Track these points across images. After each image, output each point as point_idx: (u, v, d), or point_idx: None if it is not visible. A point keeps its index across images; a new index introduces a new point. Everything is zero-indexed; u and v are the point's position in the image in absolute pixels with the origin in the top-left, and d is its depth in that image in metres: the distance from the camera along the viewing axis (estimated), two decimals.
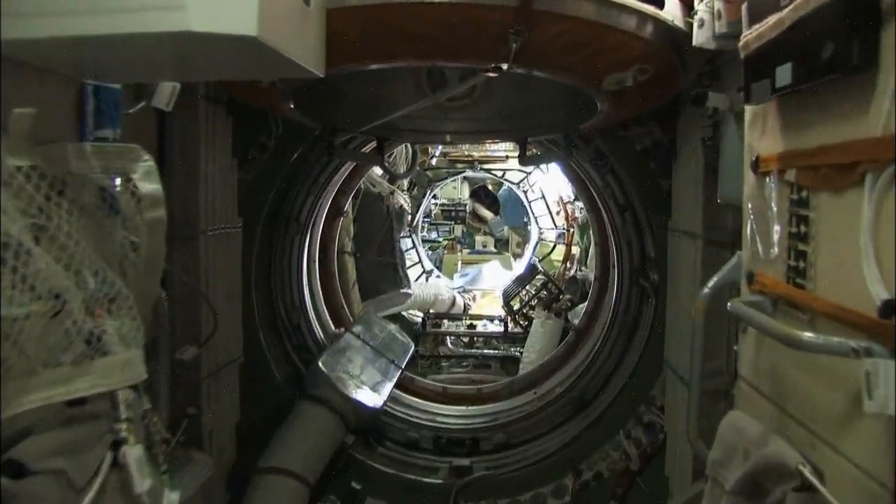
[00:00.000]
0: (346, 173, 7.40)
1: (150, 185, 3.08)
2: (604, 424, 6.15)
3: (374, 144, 5.95)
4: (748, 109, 2.73)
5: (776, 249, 2.40)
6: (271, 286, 6.45)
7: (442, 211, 19.51)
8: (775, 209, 2.40)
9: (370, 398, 5.93)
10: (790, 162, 2.28)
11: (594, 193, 6.62)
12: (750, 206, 2.70)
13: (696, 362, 3.02)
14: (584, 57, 3.29)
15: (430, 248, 18.03)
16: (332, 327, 7.48)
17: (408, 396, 7.54)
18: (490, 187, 19.95)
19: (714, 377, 4.60)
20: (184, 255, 4.63)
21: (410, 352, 7.70)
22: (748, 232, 2.70)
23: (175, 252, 4.61)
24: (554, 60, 3.34)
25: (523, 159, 5.04)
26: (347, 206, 8.04)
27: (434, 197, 17.62)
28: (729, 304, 2.49)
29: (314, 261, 7.41)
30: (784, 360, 2.33)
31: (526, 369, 10.38)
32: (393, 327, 8.04)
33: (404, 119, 4.97)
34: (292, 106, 4.10)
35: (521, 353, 11.01)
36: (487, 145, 11.99)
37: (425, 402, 7.55)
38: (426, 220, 18.43)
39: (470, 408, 7.52)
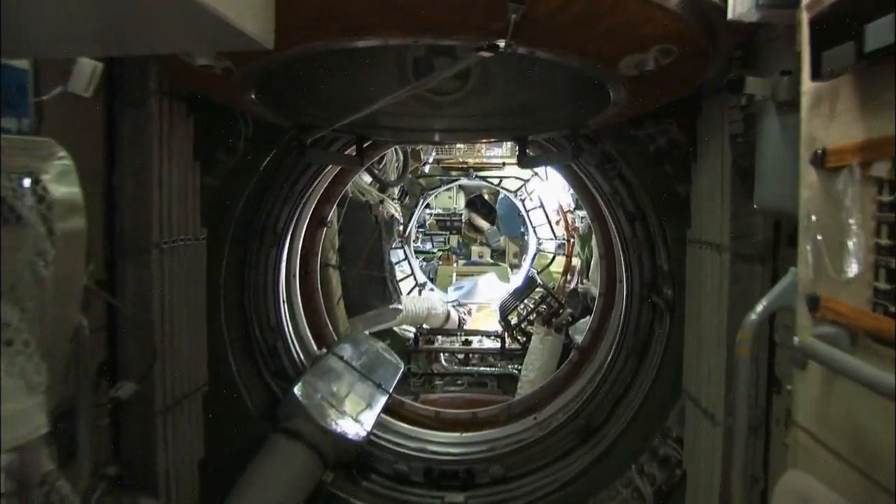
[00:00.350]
0: (329, 179, 6.86)
1: (65, 189, 2.53)
2: (613, 457, 5.59)
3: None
4: (809, 90, 2.19)
5: (855, 267, 1.86)
6: (245, 304, 5.89)
7: (437, 221, 19.02)
8: (855, 215, 1.86)
9: (353, 428, 5.35)
10: (880, 152, 1.74)
11: (600, 201, 6.08)
12: (811, 211, 2.15)
13: (741, 405, 2.46)
14: (599, 33, 2.75)
15: (424, 260, 17.54)
16: (315, 348, 6.91)
17: (397, 422, 6.96)
18: (486, 197, 19.68)
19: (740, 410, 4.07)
20: (134, 271, 4.08)
21: (400, 373, 7.14)
22: (808, 245, 2.15)
23: (124, 268, 4.10)
24: (562, 37, 2.79)
25: (523, 161, 4.50)
26: (331, 216, 7.48)
27: (428, 206, 17.09)
28: (796, 339, 1.95)
29: (294, 275, 6.85)
30: (870, 412, 1.79)
31: (524, 388, 9.87)
32: (381, 346, 7.48)
33: (387, 116, 4.44)
34: (254, 97, 3.54)
35: (520, 370, 10.51)
36: (483, 151, 11.49)
37: (416, 429, 6.97)
38: (420, 230, 17.92)
39: (464, 434, 6.95)
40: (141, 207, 4.04)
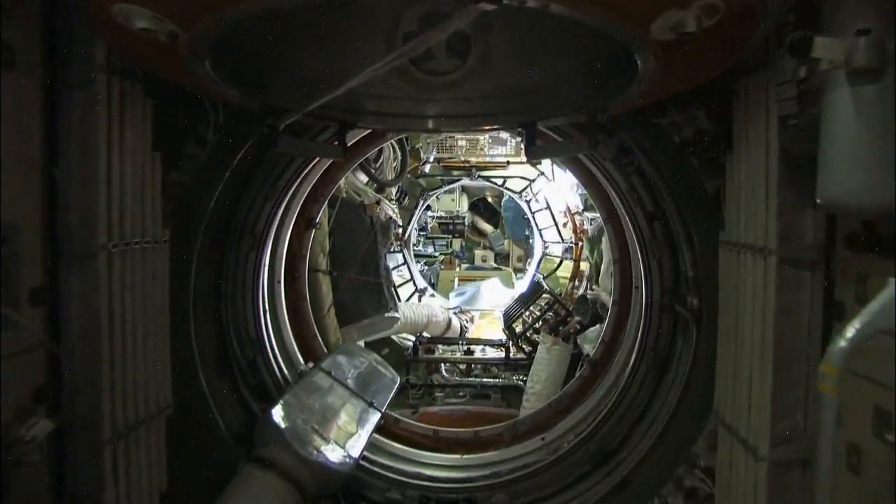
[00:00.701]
0: (318, 176, 6.31)
1: None
2: (631, 487, 5.01)
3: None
4: None
5: None
6: (221, 314, 5.34)
7: (439, 224, 18.53)
8: None
9: (338, 456, 4.78)
10: None
11: (615, 199, 5.52)
12: None
13: (825, 453, 1.89)
14: None
15: (425, 264, 17.06)
16: (302, 362, 6.36)
17: (390, 442, 6.43)
18: (490, 199, 19.17)
19: (787, 443, 3.49)
20: (78, 278, 3.53)
21: (395, 388, 6.57)
22: None
23: (68, 275, 3.55)
24: None
25: (532, 151, 3.93)
26: (321, 217, 6.93)
27: (428, 208, 16.54)
28: None
29: (278, 282, 6.29)
30: None
31: (530, 401, 9.31)
32: (375, 358, 6.91)
33: (373, 100, 3.87)
34: (209, 71, 2.98)
35: (525, 381, 9.88)
36: (486, 150, 10.92)
37: (411, 450, 6.43)
38: (421, 233, 17.38)
39: (465, 456, 6.41)
40: (86, 204, 3.49)
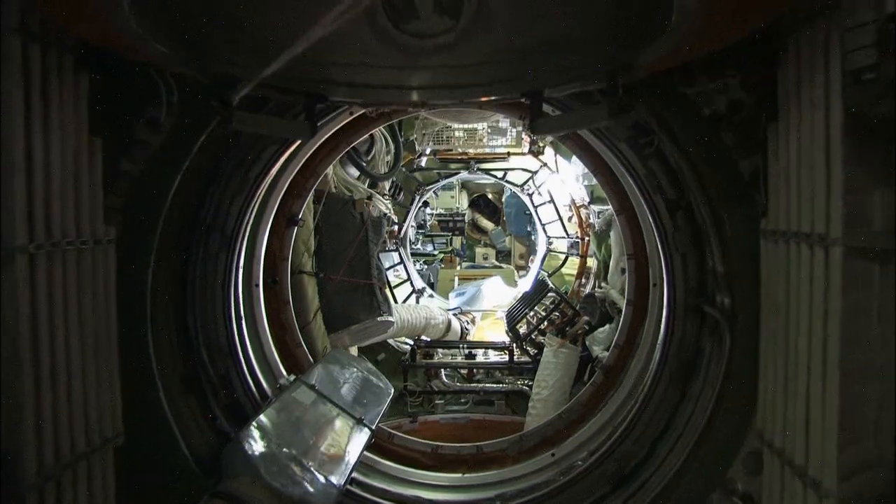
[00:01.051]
0: (297, 168, 5.72)
1: None
2: None
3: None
4: None
5: None
6: (188, 323, 4.76)
7: (439, 222, 17.93)
8: None
9: (320, 486, 4.19)
10: None
11: (632, 186, 4.91)
12: None
13: None
14: None
15: (424, 263, 16.53)
16: (285, 373, 5.76)
17: (385, 461, 5.85)
18: (490, 196, 18.77)
19: (857, 474, 2.89)
20: None
21: (389, 401, 5.98)
22: None
23: None
24: None
25: (538, 125, 3.33)
26: (304, 213, 6.33)
27: (426, 205, 15.93)
28: None
29: (256, 285, 5.70)
30: None
31: (536, 408, 8.72)
32: (367, 368, 6.32)
33: (348, 69, 3.27)
34: (137, 27, 2.39)
35: (530, 386, 9.28)
36: (485, 140, 10.31)
37: (408, 469, 5.86)
38: (420, 231, 16.79)
39: (467, 475, 5.82)
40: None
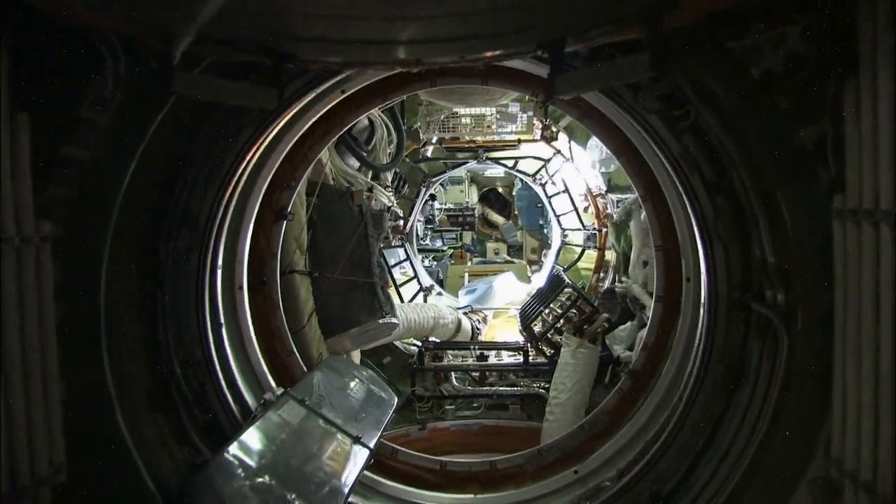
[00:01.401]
0: (283, 154, 5.13)
1: None
2: None
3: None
4: None
5: None
6: (157, 331, 4.19)
7: (448, 216, 17.55)
8: None
9: None
10: None
11: (663, 166, 4.31)
12: None
13: None
14: None
15: (434, 259, 16.02)
16: (273, 385, 5.19)
17: (387, 482, 5.29)
18: (500, 190, 18.37)
19: None
20: None
21: (391, 413, 5.41)
22: None
23: None
24: None
25: (560, 82, 2.71)
26: (294, 206, 5.74)
27: (433, 198, 15.32)
28: None
29: (239, 287, 5.12)
30: None
31: (554, 413, 8.15)
32: (367, 376, 5.76)
33: (321, 21, 2.66)
34: None
35: (547, 389, 8.74)
36: (493, 126, 9.69)
37: (413, 490, 5.29)
38: (429, 226, 16.23)
39: (479, 496, 5.24)
40: None
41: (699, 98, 3.59)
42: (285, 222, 5.62)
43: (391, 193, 9.04)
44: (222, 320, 4.74)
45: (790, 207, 3.29)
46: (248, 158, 4.33)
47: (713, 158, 3.87)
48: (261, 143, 4.45)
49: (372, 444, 4.63)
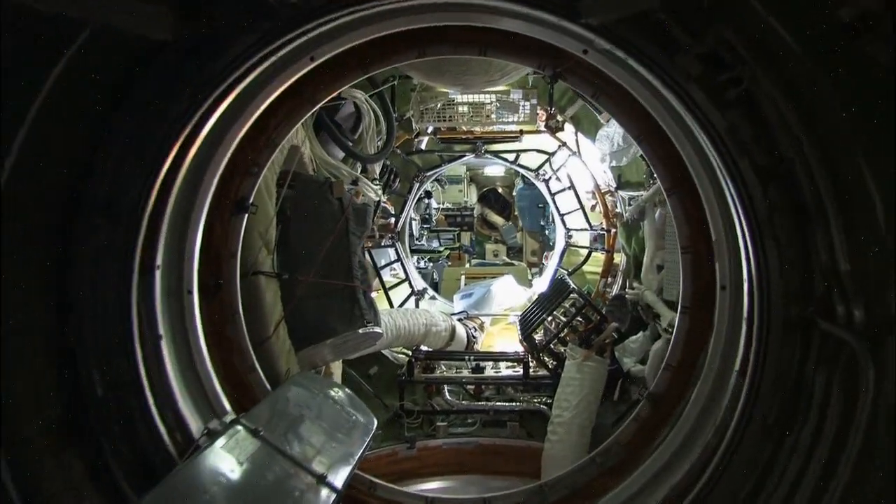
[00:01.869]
0: (242, 133, 4.34)
1: None
2: None
3: None
4: None
5: None
6: (70, 347, 3.39)
7: (446, 216, 16.90)
8: None
9: None
10: None
11: (707, 145, 3.52)
12: None
13: None
14: None
15: (430, 260, 15.30)
16: (228, 407, 4.39)
17: None
18: (501, 191, 17.96)
19: None
20: None
21: (368, 441, 4.61)
22: None
23: None
24: None
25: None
26: (259, 196, 4.95)
27: (428, 195, 14.55)
28: None
29: (188, 291, 4.31)
30: None
31: (557, 434, 7.38)
32: (341, 397, 4.96)
33: None
34: None
35: (549, 405, 7.98)
36: (493, 116, 8.92)
37: None
38: (425, 226, 15.52)
39: None
40: None
41: (755, 56, 2.82)
42: (247, 215, 4.82)
43: (378, 187, 8.27)
44: (161, 331, 3.93)
45: (882, 197, 2.51)
46: (184, 133, 3.53)
47: (768, 137, 3.09)
48: (206, 117, 3.66)
49: (340, 484, 3.83)
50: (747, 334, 3.60)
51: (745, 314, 3.65)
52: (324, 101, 4.82)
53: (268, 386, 4.88)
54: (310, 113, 4.89)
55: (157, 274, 3.89)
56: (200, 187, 4.24)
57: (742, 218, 3.34)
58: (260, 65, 3.74)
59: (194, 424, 4.02)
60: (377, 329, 6.21)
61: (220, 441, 3.63)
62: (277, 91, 4.25)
